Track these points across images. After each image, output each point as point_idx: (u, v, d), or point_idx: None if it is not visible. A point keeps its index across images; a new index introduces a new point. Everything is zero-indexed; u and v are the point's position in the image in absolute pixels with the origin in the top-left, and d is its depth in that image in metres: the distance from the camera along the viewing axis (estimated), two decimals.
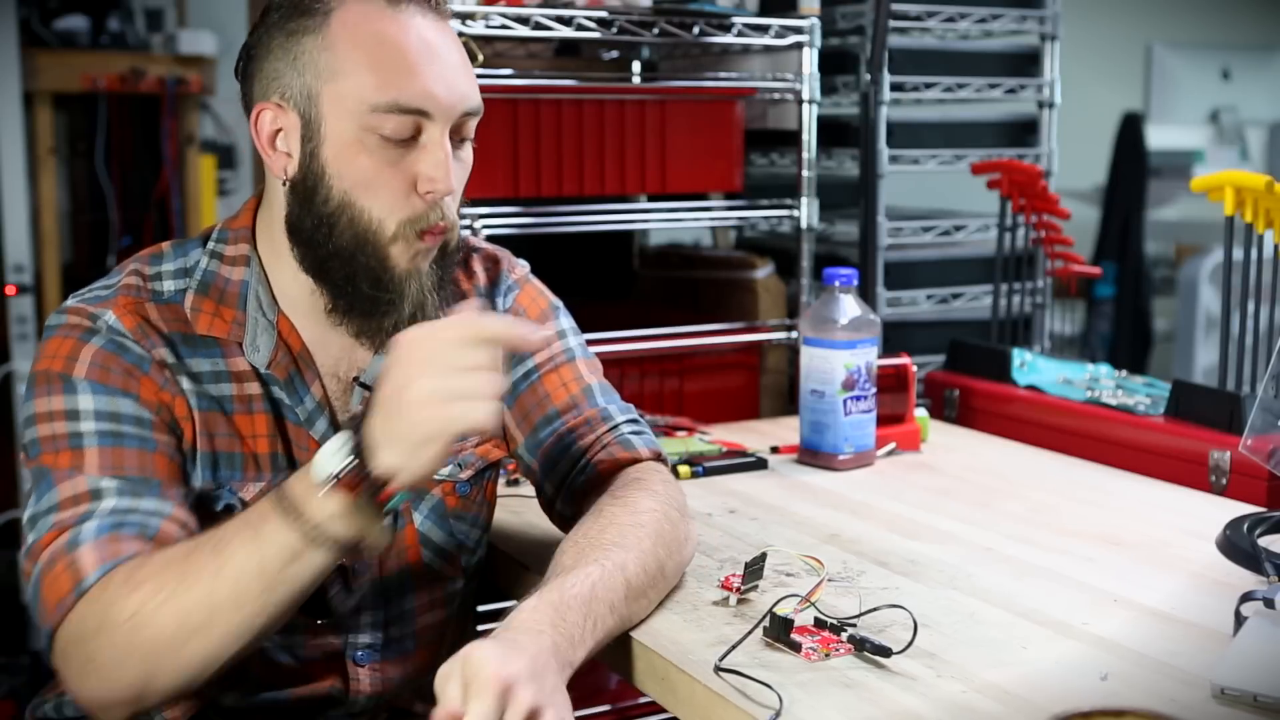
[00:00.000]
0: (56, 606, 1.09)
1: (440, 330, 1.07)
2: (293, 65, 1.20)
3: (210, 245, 1.27)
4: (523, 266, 1.45)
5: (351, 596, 1.28)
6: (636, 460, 1.33)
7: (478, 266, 1.40)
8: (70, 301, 1.23)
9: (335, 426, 1.27)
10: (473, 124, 1.24)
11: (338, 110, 1.18)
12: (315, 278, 1.23)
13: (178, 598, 1.05)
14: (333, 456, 1.06)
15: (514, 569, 1.44)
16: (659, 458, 1.37)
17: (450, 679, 0.96)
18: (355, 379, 1.28)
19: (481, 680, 0.94)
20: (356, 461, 1.06)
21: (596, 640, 1.09)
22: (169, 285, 1.25)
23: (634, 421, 1.38)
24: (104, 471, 1.14)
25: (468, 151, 1.26)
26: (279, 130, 1.22)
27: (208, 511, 1.21)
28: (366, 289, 1.21)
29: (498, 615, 1.58)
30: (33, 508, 1.15)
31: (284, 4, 1.22)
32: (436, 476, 1.31)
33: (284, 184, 1.22)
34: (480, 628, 1.51)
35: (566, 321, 1.43)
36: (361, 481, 1.06)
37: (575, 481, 1.33)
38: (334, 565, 1.10)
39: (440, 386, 1.04)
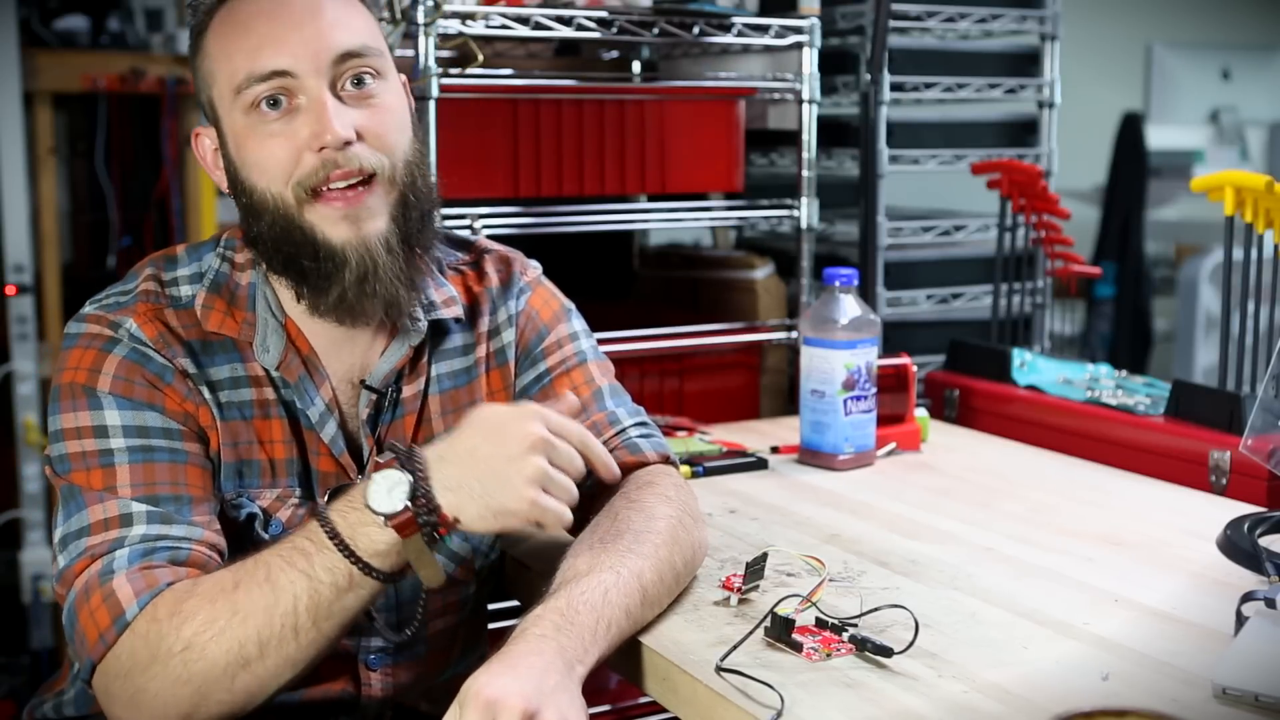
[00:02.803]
0: (98, 640, 1.09)
1: (561, 422, 1.13)
2: (199, 84, 1.25)
3: (221, 250, 1.28)
4: (535, 268, 1.44)
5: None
6: (644, 464, 1.33)
7: (490, 268, 1.39)
8: (88, 308, 1.23)
9: (344, 431, 1.27)
10: (364, 66, 1.21)
11: (224, 107, 1.22)
12: (273, 270, 1.24)
13: (231, 631, 1.06)
14: (388, 495, 1.07)
15: (518, 571, 1.44)
16: (668, 460, 1.36)
17: (451, 715, 0.98)
18: (361, 381, 1.28)
19: (469, 704, 0.96)
20: (416, 506, 1.07)
21: (610, 641, 1.09)
22: (186, 290, 1.25)
23: (642, 425, 1.38)
24: (136, 491, 1.14)
25: (382, 96, 1.22)
26: (215, 149, 1.26)
27: (229, 520, 1.22)
28: (308, 263, 1.21)
29: (506, 615, 1.59)
30: (63, 527, 1.15)
31: (189, 33, 1.26)
32: None
33: (229, 196, 1.25)
34: (491, 626, 1.51)
35: (579, 324, 1.42)
36: (420, 525, 1.08)
37: (582, 486, 1.32)
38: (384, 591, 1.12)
39: (549, 473, 1.10)
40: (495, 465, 1.09)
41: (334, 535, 1.08)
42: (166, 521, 1.14)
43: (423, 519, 1.08)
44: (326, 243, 1.19)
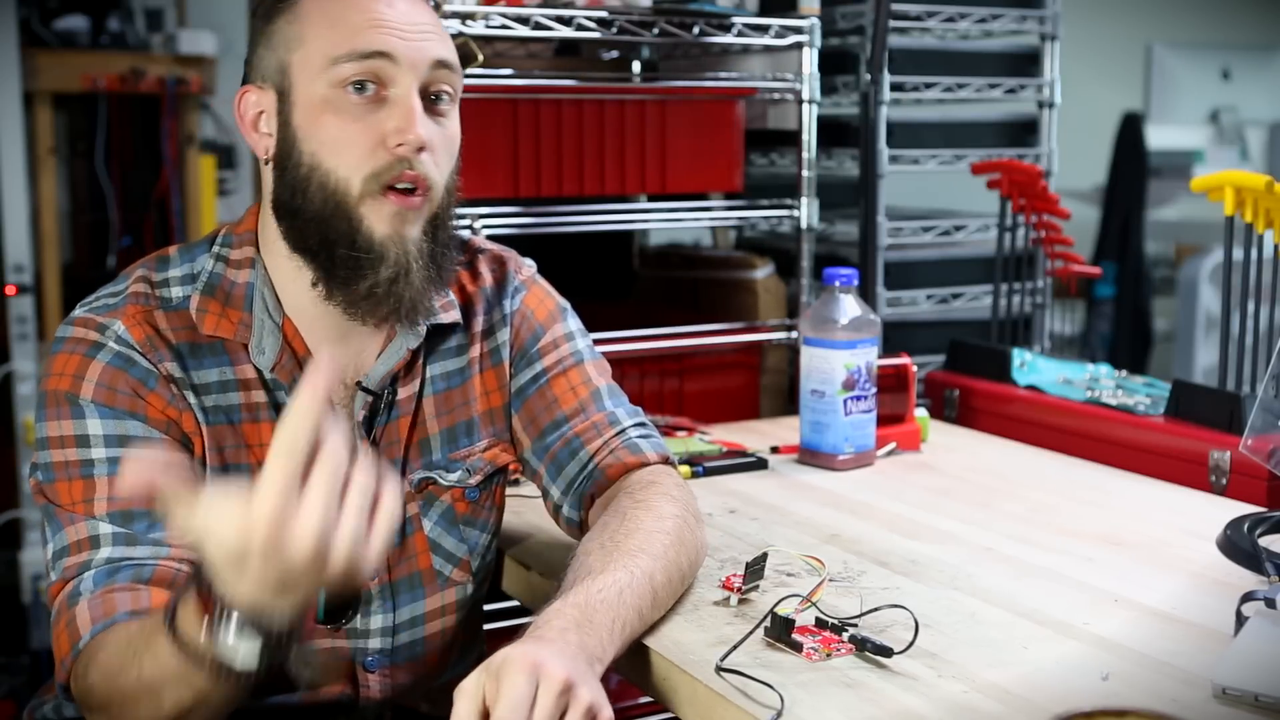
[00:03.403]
0: (61, 665, 1.11)
1: (262, 505, 0.87)
2: (268, 45, 1.22)
3: (215, 249, 1.27)
4: (530, 267, 1.44)
5: (361, 601, 1.28)
6: (644, 464, 1.33)
7: (484, 268, 1.39)
8: (78, 311, 1.22)
9: None
10: (448, 81, 1.22)
11: (305, 74, 1.20)
12: (299, 251, 1.23)
13: (129, 712, 1.04)
14: (247, 650, 0.94)
15: (516, 570, 1.44)
16: (667, 461, 1.36)
17: (476, 677, 0.96)
18: (358, 383, 1.27)
19: (511, 663, 0.95)
20: (274, 641, 0.94)
21: (624, 641, 1.10)
22: (177, 291, 1.24)
23: (641, 425, 1.38)
24: (112, 505, 1.15)
25: (451, 120, 1.24)
26: (260, 113, 1.24)
27: None
28: (343, 251, 1.20)
29: (503, 616, 1.60)
30: (50, 545, 1.16)
31: None
32: (446, 483, 1.31)
33: (267, 164, 1.24)
34: (487, 626, 1.51)
35: (574, 323, 1.42)
36: (289, 649, 0.96)
37: (582, 486, 1.33)
38: None
39: (310, 553, 0.88)
40: (279, 575, 0.89)
41: (212, 666, 0.95)
42: (131, 543, 1.14)
43: (287, 640, 0.95)
44: (369, 235, 1.19)
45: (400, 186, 1.19)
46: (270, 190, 1.24)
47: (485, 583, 1.40)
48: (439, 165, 1.22)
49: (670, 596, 1.19)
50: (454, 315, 1.33)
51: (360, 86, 1.18)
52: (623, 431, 1.35)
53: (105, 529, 1.14)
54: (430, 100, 1.22)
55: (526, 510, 1.55)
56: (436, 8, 1.73)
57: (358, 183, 1.18)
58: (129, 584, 1.12)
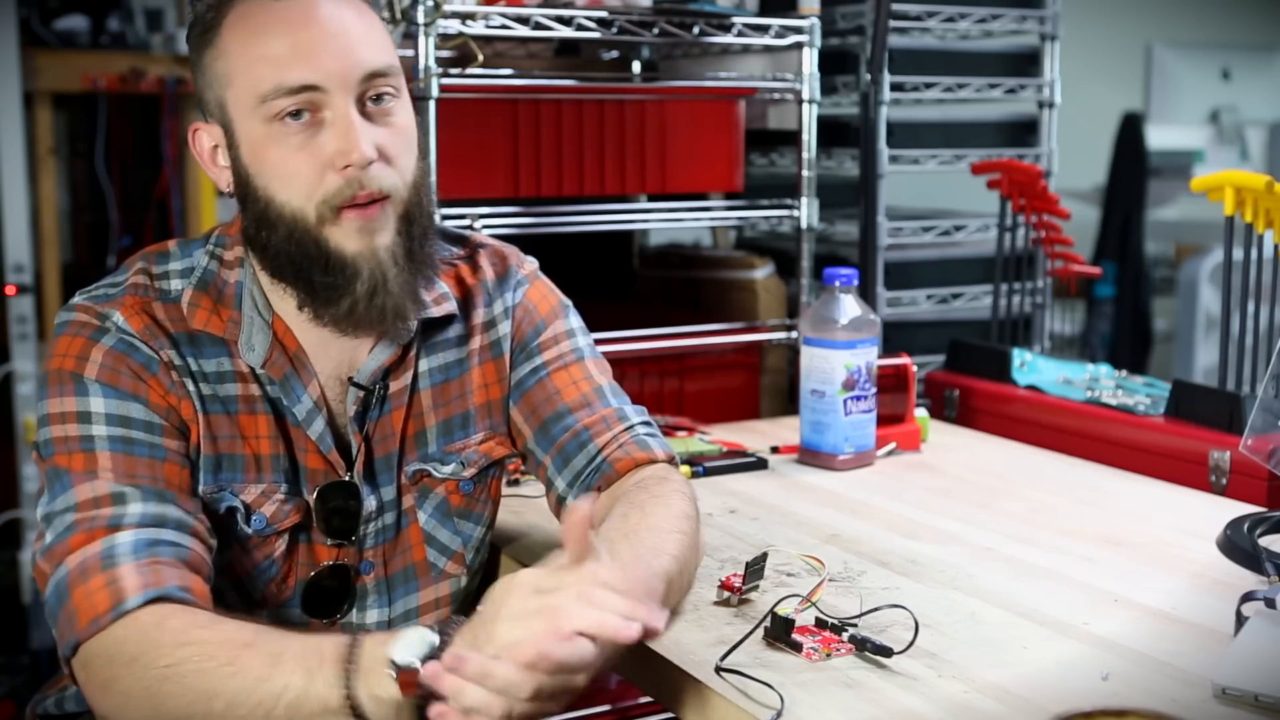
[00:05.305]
0: (90, 622, 1.08)
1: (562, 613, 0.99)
2: (205, 80, 1.22)
3: (210, 247, 1.28)
4: (532, 263, 1.44)
5: (357, 595, 1.29)
6: (652, 461, 1.33)
7: (485, 262, 1.39)
8: (78, 299, 1.23)
9: (332, 428, 1.27)
10: (386, 85, 1.21)
11: (240, 112, 1.20)
12: (277, 278, 1.23)
13: (212, 678, 1.02)
14: (406, 649, 1.00)
15: (513, 569, 1.44)
16: (672, 461, 1.36)
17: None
18: (350, 379, 1.28)
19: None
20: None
21: None
22: (176, 284, 1.25)
23: (648, 424, 1.38)
24: (119, 479, 1.15)
25: (399, 115, 1.23)
26: (215, 147, 1.24)
27: (210, 514, 1.22)
28: (319, 277, 1.20)
29: None
30: (46, 506, 1.15)
31: (191, 23, 1.24)
32: (440, 475, 1.32)
33: (231, 196, 1.24)
34: None
35: (576, 321, 1.42)
36: (419, 686, 0.99)
37: (589, 479, 1.33)
38: None
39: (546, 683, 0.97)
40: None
41: (351, 657, 1.01)
42: (162, 500, 1.15)
43: (424, 682, 0.99)
44: (339, 254, 1.20)
45: (357, 203, 1.19)
46: (240, 221, 1.25)
47: (479, 576, 1.40)
48: (397, 166, 1.21)
49: (676, 595, 1.20)
50: (448, 308, 1.33)
51: (295, 114, 1.18)
52: (631, 428, 1.35)
53: (130, 489, 1.14)
54: (372, 102, 1.21)
55: (526, 510, 1.55)
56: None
57: (312, 210, 1.19)
58: (173, 560, 1.11)
